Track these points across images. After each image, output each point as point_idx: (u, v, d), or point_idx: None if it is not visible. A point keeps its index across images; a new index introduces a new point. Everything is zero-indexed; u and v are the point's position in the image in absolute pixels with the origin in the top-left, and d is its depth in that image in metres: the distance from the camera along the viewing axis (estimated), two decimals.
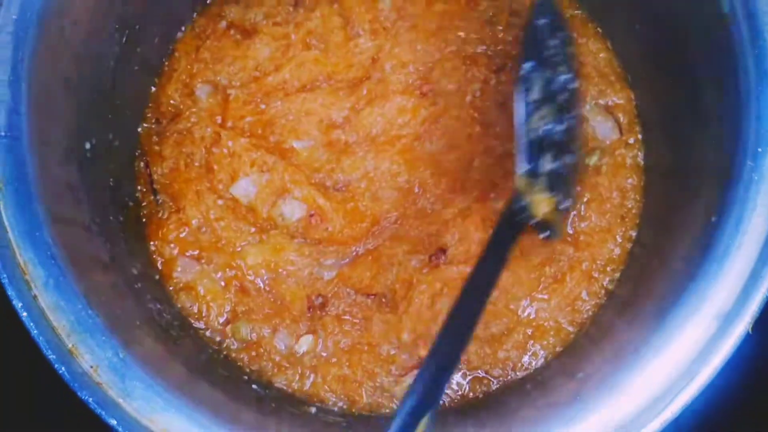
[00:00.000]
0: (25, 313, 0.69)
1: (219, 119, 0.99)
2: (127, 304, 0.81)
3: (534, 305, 0.92)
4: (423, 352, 0.91)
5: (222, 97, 1.00)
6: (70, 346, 0.70)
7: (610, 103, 0.97)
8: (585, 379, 0.74)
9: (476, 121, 0.97)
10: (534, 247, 0.93)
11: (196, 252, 0.95)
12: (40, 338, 0.69)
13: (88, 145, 0.86)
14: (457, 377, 0.91)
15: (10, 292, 0.69)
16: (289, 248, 0.94)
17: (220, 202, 0.96)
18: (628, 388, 0.69)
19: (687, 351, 0.68)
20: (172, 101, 1.00)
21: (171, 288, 0.94)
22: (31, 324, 0.69)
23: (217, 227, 0.95)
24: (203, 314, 0.94)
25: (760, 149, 0.69)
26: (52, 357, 0.69)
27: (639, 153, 0.95)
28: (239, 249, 0.95)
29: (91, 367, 0.70)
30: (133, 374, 0.71)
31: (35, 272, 0.70)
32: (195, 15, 1.03)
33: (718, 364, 0.66)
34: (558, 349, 0.90)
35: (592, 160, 0.96)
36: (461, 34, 1.00)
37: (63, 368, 0.69)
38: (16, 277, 0.70)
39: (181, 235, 0.96)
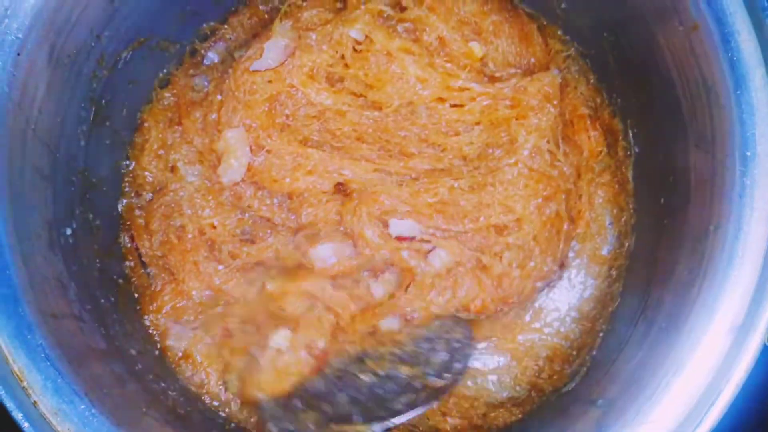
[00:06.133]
0: (26, 424, 0.67)
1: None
2: (130, 390, 0.79)
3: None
4: None
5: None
6: None
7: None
8: (606, 407, 0.73)
9: None
10: None
11: (191, 318, 0.93)
12: None
13: (68, 231, 0.84)
14: None
15: (9, 404, 0.67)
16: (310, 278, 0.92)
17: (220, 267, 0.93)
18: (650, 417, 0.67)
19: (706, 369, 0.66)
20: (147, 173, 0.97)
21: (171, 361, 0.92)
22: None
23: (228, 288, 0.93)
24: (203, 382, 0.92)
25: (748, 153, 0.68)
26: None
27: (629, 167, 0.94)
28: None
29: None
30: None
31: (32, 377, 0.68)
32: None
33: (740, 379, 0.64)
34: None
35: None
36: None
37: None
38: (12, 385, 0.67)
39: (178, 305, 0.93)
